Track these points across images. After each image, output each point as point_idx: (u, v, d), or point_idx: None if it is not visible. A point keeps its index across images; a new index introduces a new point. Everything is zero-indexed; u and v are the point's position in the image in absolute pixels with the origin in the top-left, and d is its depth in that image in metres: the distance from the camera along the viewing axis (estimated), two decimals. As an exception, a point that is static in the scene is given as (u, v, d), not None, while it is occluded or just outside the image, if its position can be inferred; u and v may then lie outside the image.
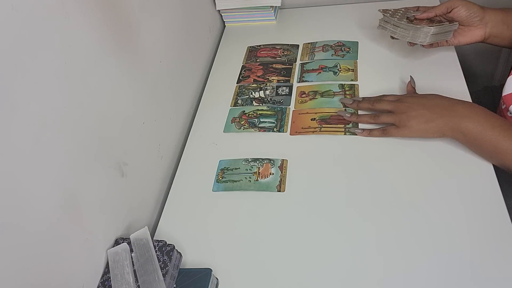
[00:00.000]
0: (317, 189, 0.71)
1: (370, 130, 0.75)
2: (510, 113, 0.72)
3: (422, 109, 0.69)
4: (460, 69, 0.84)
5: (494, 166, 0.68)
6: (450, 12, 0.77)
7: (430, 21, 0.80)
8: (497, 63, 1.22)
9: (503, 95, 0.73)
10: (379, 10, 0.85)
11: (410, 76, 0.80)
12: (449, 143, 0.72)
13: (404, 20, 0.80)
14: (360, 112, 0.80)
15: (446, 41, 0.81)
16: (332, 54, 0.95)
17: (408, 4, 0.89)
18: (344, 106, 0.81)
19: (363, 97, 0.81)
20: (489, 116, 0.65)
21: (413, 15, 0.81)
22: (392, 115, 0.72)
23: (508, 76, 0.73)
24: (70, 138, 0.53)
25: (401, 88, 0.83)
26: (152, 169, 0.76)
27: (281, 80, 0.92)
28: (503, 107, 0.74)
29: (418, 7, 0.84)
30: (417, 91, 0.79)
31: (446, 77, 0.83)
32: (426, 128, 0.69)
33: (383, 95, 0.78)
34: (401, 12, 0.84)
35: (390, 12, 0.84)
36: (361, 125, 0.78)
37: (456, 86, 0.80)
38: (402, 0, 1.04)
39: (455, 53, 0.88)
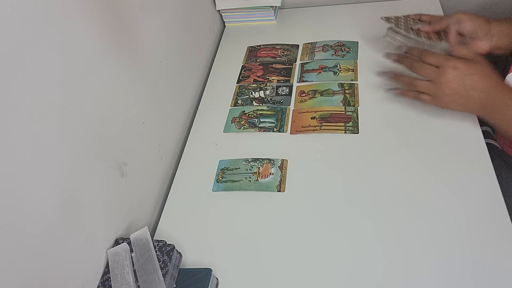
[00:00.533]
0: (317, 189, 0.71)
1: (405, 90, 0.76)
2: None
3: (459, 90, 0.69)
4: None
5: (493, 166, 0.68)
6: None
7: (436, 33, 0.79)
8: (497, 62, 1.21)
9: None
10: (381, 18, 0.84)
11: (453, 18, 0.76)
12: (449, 144, 0.72)
13: (411, 32, 0.79)
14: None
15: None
16: (332, 54, 0.95)
17: (407, 5, 0.89)
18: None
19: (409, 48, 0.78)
20: None
21: (418, 27, 0.80)
22: (430, 85, 0.71)
23: (508, 73, 0.72)
24: (70, 138, 0.53)
25: (401, 88, 0.83)
26: (152, 169, 0.76)
27: (281, 80, 0.92)
28: None
29: (420, 15, 0.83)
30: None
31: (446, 77, 0.82)
32: (461, 107, 0.71)
33: (424, 52, 0.73)
34: (402, 20, 0.83)
35: (393, 21, 0.83)
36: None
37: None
38: (402, 0, 1.04)
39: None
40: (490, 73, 0.69)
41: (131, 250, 0.59)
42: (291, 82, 0.91)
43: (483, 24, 0.76)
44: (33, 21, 0.47)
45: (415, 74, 0.73)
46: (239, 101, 0.89)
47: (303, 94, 0.87)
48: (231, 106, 0.89)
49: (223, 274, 0.63)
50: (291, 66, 0.95)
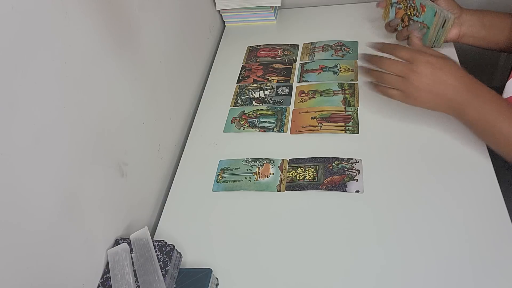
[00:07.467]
0: (317, 189, 0.71)
1: (376, 85, 0.73)
2: None
3: (430, 85, 0.66)
4: (460, 69, 0.84)
5: (494, 166, 0.68)
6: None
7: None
8: (497, 63, 1.22)
9: None
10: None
11: (411, 23, 0.74)
12: (449, 143, 0.72)
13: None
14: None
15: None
16: (332, 54, 0.95)
17: None
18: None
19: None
20: (494, 103, 0.65)
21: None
22: (400, 80, 0.69)
23: (508, 79, 0.73)
24: (70, 138, 0.53)
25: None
26: (152, 169, 0.76)
27: (281, 80, 0.92)
28: None
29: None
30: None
31: (446, 77, 0.83)
32: (432, 105, 0.69)
33: (397, 47, 0.71)
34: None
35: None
36: None
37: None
38: None
39: (455, 53, 0.88)
40: (461, 71, 0.68)
41: (131, 250, 0.59)
42: (291, 82, 0.91)
43: (456, 8, 0.78)
44: (33, 21, 0.47)
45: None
46: (239, 101, 0.89)
47: (303, 94, 0.87)
48: (231, 106, 0.89)
49: (223, 274, 0.63)
50: (291, 66, 0.95)
